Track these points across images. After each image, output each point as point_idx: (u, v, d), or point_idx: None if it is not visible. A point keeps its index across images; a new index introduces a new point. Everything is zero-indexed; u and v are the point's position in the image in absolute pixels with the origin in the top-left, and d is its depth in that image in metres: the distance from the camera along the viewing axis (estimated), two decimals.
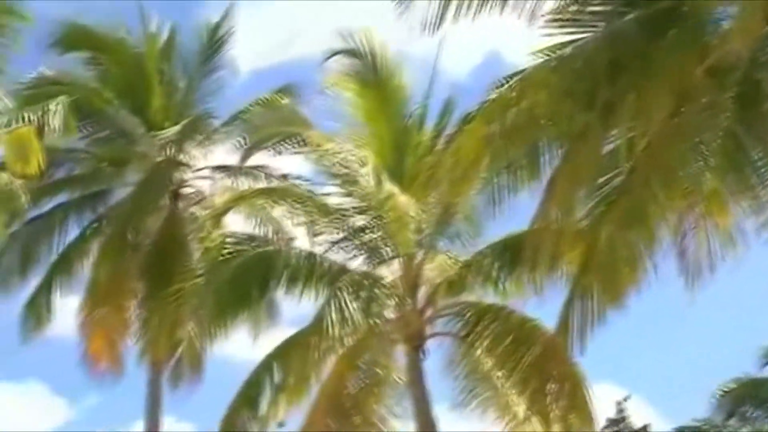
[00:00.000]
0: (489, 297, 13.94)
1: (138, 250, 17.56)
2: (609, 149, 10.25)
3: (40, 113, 16.11)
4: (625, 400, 23.22)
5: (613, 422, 22.90)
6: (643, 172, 9.83)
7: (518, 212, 12.08)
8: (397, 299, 13.90)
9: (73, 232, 18.27)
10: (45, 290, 18.08)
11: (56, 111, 16.21)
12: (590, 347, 10.78)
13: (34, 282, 18.24)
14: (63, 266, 18.07)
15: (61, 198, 18.47)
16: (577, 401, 12.83)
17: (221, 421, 14.04)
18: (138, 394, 18.48)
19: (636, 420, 23.35)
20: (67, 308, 18.29)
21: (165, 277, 16.88)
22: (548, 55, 10.00)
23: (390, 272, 14.10)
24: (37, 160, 15.28)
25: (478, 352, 13.62)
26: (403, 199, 13.40)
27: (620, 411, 23.15)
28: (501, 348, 13.36)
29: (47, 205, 18.38)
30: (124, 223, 17.55)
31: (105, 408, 40.32)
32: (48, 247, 18.14)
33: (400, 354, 14.03)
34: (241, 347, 18.70)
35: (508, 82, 10.18)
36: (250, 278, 14.42)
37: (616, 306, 10.49)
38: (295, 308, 15.87)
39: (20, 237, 18.03)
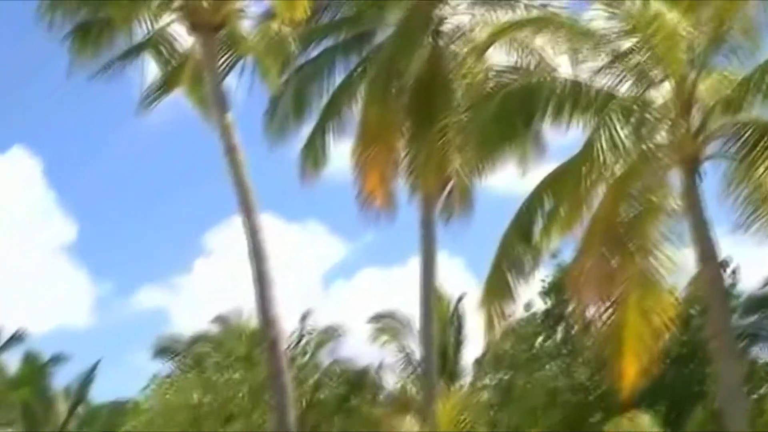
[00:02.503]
0: None
1: (403, 89, 17.85)
2: None
3: None
4: None
5: None
6: None
7: None
8: (669, 123, 13.40)
9: (341, 76, 18.83)
10: (319, 133, 18.86)
11: None
12: None
13: (308, 126, 19.09)
14: (334, 109, 18.72)
15: (328, 42, 19.01)
16: None
17: (496, 253, 14.28)
18: (411, 231, 19.16)
19: None
20: (341, 149, 19.09)
21: (430, 115, 17.15)
22: None
23: (661, 95, 13.55)
24: (303, 6, 15.75)
25: (760, 172, 12.94)
26: (672, 17, 12.71)
27: None
28: None
29: (315, 50, 19.00)
30: (388, 63, 17.85)
31: (380, 245, 42.40)
32: (319, 91, 18.82)
33: (674, 179, 13.62)
34: (509, 181, 18.89)
35: None
36: (515, 111, 14.31)
37: None
38: (562, 139, 15.76)
39: (292, 83, 18.79)
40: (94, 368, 29.10)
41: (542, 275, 22.06)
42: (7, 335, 29.05)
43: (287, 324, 20.89)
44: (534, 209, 14.24)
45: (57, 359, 29.19)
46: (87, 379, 29.07)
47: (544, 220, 14.10)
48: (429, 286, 19.04)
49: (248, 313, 26.53)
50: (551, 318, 22.70)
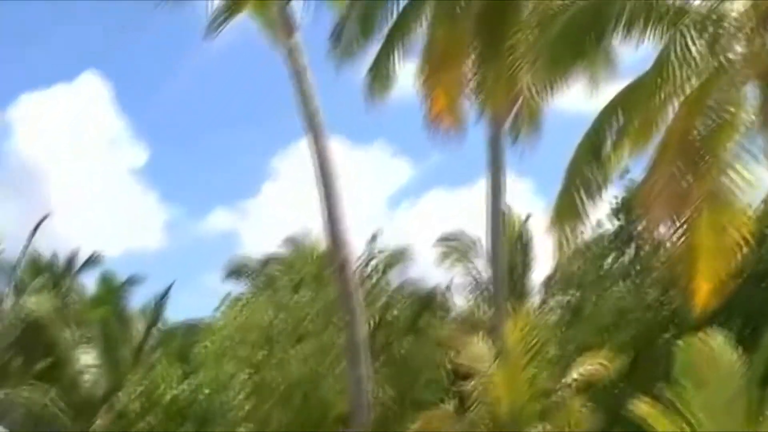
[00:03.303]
0: None
1: (470, 7, 17.61)
2: None
3: None
4: None
5: None
6: None
7: None
8: (745, 35, 13.03)
9: None
10: (385, 55, 18.72)
11: None
12: None
13: (374, 48, 18.96)
14: (400, 30, 18.54)
15: None
16: None
17: (565, 171, 14.16)
18: (479, 153, 19.09)
19: None
20: (408, 71, 18.97)
21: (499, 33, 16.91)
22: None
23: (736, 7, 13.16)
24: None
25: None
26: None
27: None
28: None
29: None
30: None
31: (447, 167, 42.39)
32: (384, 12, 18.62)
33: (750, 93, 13.28)
34: (579, 100, 18.64)
35: None
36: (585, 27, 14.03)
37: None
38: (634, 55, 15.46)
39: (358, 5, 18.63)
40: (168, 289, 29.78)
41: (612, 194, 21.93)
42: (83, 258, 29.87)
43: (355, 246, 21.12)
44: (605, 127, 14.02)
45: (132, 280, 29.91)
46: (162, 299, 29.75)
47: (614, 138, 13.90)
48: (496, 207, 19.02)
49: (317, 236, 26.89)
50: (621, 237, 22.56)
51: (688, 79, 12.66)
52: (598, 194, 14.30)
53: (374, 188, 41.71)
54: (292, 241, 28.55)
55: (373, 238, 27.12)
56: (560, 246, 14.15)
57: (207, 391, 24.72)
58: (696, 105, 13.04)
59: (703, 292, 13.14)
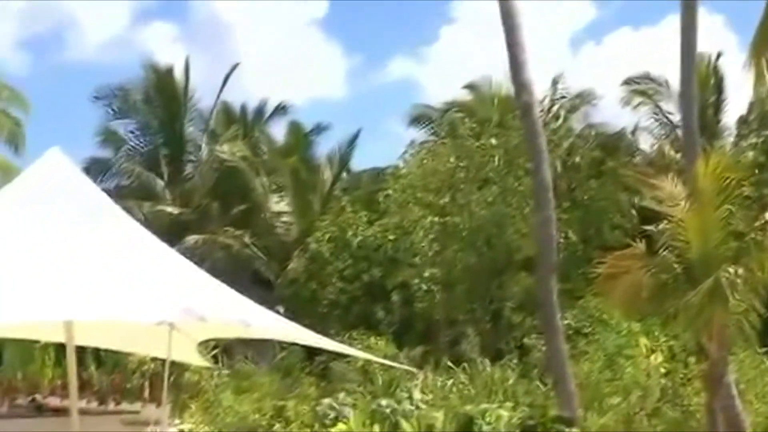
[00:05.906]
0: None
1: None
2: None
3: None
4: None
5: None
6: None
7: None
8: None
9: None
10: None
11: None
12: None
13: None
14: None
15: None
16: None
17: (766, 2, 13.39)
18: None
19: None
20: None
21: None
22: None
23: None
24: None
25: None
26: None
27: None
28: None
29: None
30: None
31: (633, 6, 40.68)
32: None
33: None
34: None
35: None
36: None
37: None
38: None
39: None
40: (355, 137, 30.30)
41: None
42: (271, 108, 30.68)
43: (538, 89, 20.70)
44: None
45: (319, 129, 30.60)
46: (349, 146, 30.36)
47: None
48: (688, 44, 18.10)
49: (498, 80, 26.60)
50: None
51: None
52: None
53: (556, 30, 40.62)
54: (473, 87, 28.37)
55: (556, 81, 26.60)
56: (760, 79, 13.51)
57: (392, 236, 25.30)
58: None
59: None
